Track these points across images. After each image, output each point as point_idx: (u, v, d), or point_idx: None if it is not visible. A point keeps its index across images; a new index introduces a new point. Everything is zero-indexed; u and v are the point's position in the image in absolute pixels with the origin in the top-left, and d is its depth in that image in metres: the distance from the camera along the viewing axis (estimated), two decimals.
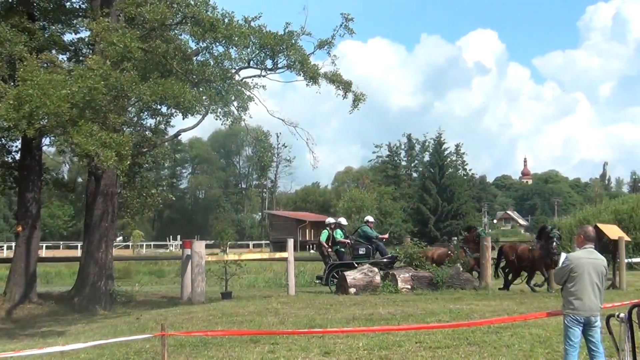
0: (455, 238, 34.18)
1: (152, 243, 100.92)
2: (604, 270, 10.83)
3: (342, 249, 29.74)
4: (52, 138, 29.07)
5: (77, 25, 31.04)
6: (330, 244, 29.62)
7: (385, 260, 29.85)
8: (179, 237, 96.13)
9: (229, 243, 31.91)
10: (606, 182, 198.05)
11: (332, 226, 30.20)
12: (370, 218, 31.55)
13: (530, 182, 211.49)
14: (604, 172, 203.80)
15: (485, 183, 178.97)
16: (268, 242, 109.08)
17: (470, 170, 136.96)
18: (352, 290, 26.03)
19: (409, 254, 29.29)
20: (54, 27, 30.26)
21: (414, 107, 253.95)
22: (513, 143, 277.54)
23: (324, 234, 29.96)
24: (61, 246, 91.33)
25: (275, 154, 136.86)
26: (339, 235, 29.88)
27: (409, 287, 26.57)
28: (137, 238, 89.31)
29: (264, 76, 25.27)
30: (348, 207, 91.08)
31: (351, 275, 26.78)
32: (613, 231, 27.39)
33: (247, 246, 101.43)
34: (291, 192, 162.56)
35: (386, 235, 31.52)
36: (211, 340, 14.64)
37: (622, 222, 30.63)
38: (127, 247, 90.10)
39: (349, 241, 29.75)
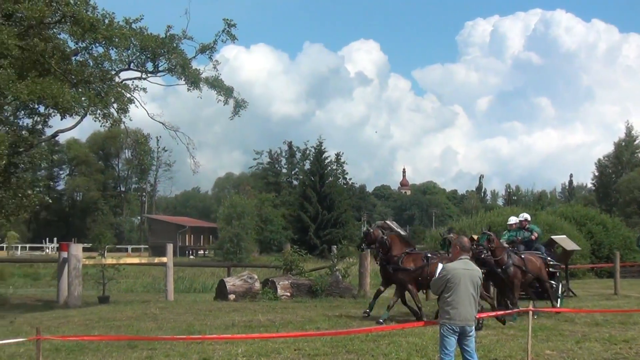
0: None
1: (27, 245, 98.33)
2: (479, 281, 11.02)
3: None
4: None
5: None
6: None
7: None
8: (55, 239, 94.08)
9: (107, 247, 31.39)
10: (482, 194, 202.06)
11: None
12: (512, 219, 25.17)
13: (408, 192, 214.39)
14: (480, 184, 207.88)
15: (365, 192, 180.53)
16: (147, 246, 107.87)
17: (350, 179, 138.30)
18: (232, 296, 25.90)
19: (288, 261, 29.31)
20: None
21: (295, 115, 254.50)
22: (393, 154, 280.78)
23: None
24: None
25: (155, 157, 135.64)
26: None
27: (289, 294, 26.57)
28: (12, 240, 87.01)
29: (144, 79, 25.05)
30: (228, 213, 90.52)
31: (230, 282, 26.67)
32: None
33: (126, 250, 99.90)
34: (171, 196, 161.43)
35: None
36: (88, 345, 14.36)
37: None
38: (1, 248, 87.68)
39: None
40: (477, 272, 11.09)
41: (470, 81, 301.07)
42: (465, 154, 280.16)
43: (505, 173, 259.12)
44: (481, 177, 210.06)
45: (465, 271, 10.87)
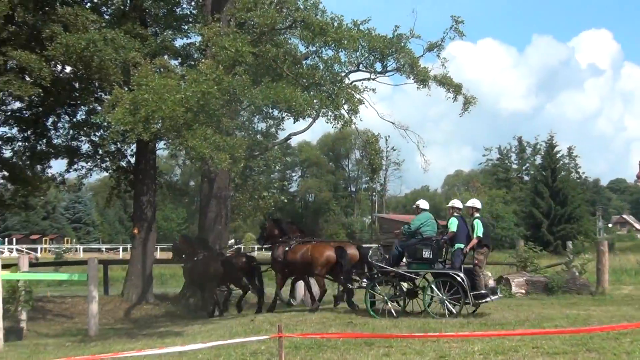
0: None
1: (263, 246, 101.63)
2: None
3: None
4: (166, 142, 29.64)
5: (188, 31, 31.65)
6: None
7: None
8: None
9: None
10: None
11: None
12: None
13: None
14: None
15: (599, 186, 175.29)
16: (378, 245, 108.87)
17: (583, 173, 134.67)
18: None
19: (523, 258, 28.94)
20: (165, 33, 30.92)
21: (524, 110, 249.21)
22: (628, 146, 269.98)
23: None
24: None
25: (385, 157, 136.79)
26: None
27: (524, 291, 26.22)
28: (249, 241, 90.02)
29: (373, 79, 25.18)
30: None
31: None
32: None
33: None
34: (400, 195, 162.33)
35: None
36: (325, 343, 14.61)
37: None
38: (239, 250, 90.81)
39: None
40: None
41: None
42: None
43: None
44: None
45: None
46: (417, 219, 21.79)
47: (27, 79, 25.28)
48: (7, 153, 30.25)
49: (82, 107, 31.44)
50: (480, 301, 20.03)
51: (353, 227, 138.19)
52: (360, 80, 25.10)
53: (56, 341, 20.75)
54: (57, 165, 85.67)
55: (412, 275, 20.70)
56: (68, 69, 27.60)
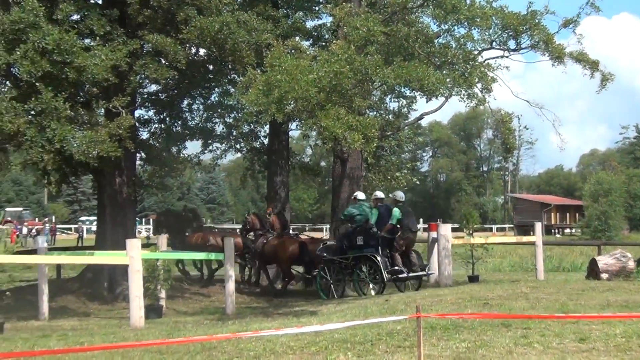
0: None
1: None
2: None
3: None
4: (299, 122, 29.90)
5: (319, 12, 31.86)
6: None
7: None
8: (421, 220, 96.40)
9: (474, 226, 31.56)
10: None
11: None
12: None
13: None
14: None
15: None
16: (511, 225, 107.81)
17: None
18: (604, 275, 25.19)
19: None
20: (296, 14, 31.22)
21: None
22: None
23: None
24: (307, 228, 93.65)
25: (517, 136, 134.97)
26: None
27: None
28: None
29: (507, 57, 24.78)
30: (595, 190, 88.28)
31: (602, 261, 25.96)
32: None
33: (491, 230, 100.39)
34: (534, 175, 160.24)
35: None
36: (461, 323, 14.46)
37: None
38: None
39: None
40: None
41: None
42: None
43: None
44: None
45: None
46: (352, 208, 24.31)
47: (163, 62, 25.71)
48: (145, 135, 30.83)
49: (216, 89, 31.92)
50: (394, 276, 23.48)
51: (485, 207, 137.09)
52: (493, 58, 24.73)
53: (194, 319, 21.19)
54: (192, 147, 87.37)
55: (343, 261, 23.83)
56: (202, 51, 27.99)
